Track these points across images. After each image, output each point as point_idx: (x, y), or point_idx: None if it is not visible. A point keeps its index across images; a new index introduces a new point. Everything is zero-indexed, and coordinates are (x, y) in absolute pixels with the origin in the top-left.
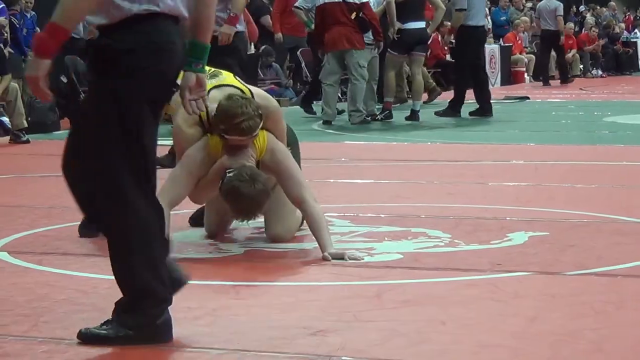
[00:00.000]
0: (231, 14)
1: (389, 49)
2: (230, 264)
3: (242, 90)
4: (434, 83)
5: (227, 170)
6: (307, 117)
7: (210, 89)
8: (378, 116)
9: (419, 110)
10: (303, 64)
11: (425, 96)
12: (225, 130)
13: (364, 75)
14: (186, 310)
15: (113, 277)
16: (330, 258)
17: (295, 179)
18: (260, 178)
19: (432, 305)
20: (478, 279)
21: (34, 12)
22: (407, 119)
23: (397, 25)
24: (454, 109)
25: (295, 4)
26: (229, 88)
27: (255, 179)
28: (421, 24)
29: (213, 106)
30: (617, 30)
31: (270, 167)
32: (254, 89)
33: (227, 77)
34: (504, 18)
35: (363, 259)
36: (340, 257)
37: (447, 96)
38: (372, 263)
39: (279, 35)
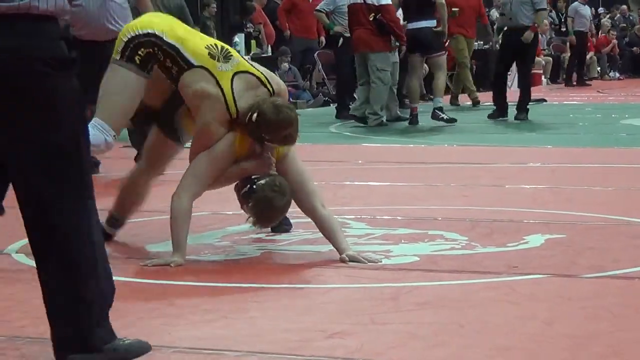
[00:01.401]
0: None
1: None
2: (247, 266)
3: (258, 77)
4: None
5: (254, 177)
6: (324, 120)
7: (232, 77)
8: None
9: (439, 108)
10: (320, 66)
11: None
12: (270, 140)
13: (382, 78)
14: (202, 313)
15: (130, 279)
16: (347, 260)
17: (307, 188)
18: (288, 189)
19: (448, 308)
20: (495, 282)
21: None
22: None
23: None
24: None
25: (316, 7)
26: (250, 77)
27: (284, 190)
28: (420, 24)
29: (243, 103)
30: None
31: (283, 173)
32: (265, 71)
33: (240, 61)
34: None
35: (380, 261)
36: (358, 259)
37: (460, 99)
38: (389, 265)
39: (286, 33)
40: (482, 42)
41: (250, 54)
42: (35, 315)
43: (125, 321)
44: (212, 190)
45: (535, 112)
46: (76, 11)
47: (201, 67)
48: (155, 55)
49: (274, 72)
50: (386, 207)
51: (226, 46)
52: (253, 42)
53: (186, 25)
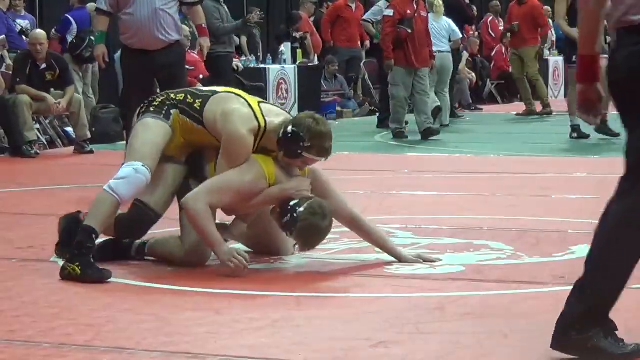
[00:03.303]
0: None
1: None
2: (292, 274)
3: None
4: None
5: (292, 204)
6: (370, 129)
7: (258, 103)
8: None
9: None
10: (366, 75)
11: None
12: (310, 152)
13: (391, 91)
14: (248, 321)
15: (176, 287)
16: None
17: (340, 199)
18: (328, 209)
19: (494, 318)
20: (540, 292)
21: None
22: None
23: None
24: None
25: (363, 17)
26: (275, 107)
27: (326, 212)
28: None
29: (273, 120)
30: None
31: (315, 188)
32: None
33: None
34: None
35: (441, 260)
36: (417, 260)
37: (507, 109)
38: (435, 275)
39: (330, 43)
40: None
41: (297, 63)
42: (82, 323)
43: (171, 329)
44: (251, 211)
45: (582, 122)
46: (126, 19)
47: (227, 92)
48: (170, 98)
49: (320, 82)
50: (432, 217)
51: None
52: (299, 51)
53: None
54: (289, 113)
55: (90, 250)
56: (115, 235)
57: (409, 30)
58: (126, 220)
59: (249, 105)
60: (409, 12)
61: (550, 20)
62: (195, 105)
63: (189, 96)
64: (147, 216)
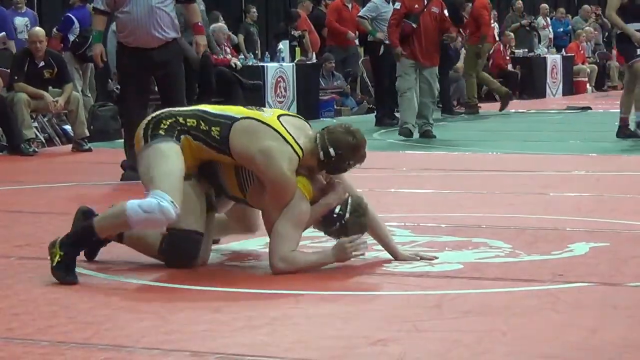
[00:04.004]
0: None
1: None
2: (291, 273)
3: (297, 117)
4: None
5: (337, 213)
6: (368, 127)
7: (279, 119)
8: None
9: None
10: (364, 74)
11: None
12: (354, 164)
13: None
14: (246, 319)
15: (176, 286)
16: (405, 259)
17: (355, 192)
18: (365, 203)
19: (492, 316)
20: (539, 290)
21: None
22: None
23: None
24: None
25: (359, 14)
26: (291, 118)
27: (366, 208)
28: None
29: (305, 142)
30: None
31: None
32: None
33: (272, 109)
34: (561, 29)
35: (437, 257)
36: (413, 258)
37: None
38: (433, 273)
39: (351, 35)
40: (526, 50)
41: (295, 61)
42: (80, 321)
43: (170, 327)
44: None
45: (580, 120)
46: (122, 18)
47: (246, 117)
48: (179, 123)
49: (318, 80)
50: (430, 215)
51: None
52: (297, 49)
53: None
54: (304, 120)
55: (81, 248)
56: (166, 262)
57: (414, 25)
58: (169, 247)
59: (282, 136)
60: (416, 6)
61: (548, 18)
62: (214, 134)
63: (201, 123)
64: (189, 238)
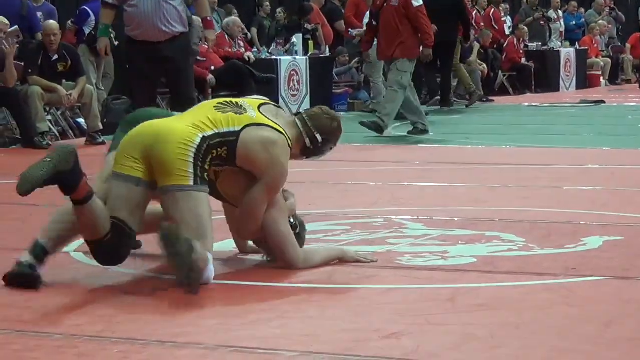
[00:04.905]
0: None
1: None
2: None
3: (270, 103)
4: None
5: (291, 222)
6: None
7: (259, 109)
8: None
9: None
10: None
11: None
12: (333, 148)
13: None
14: (259, 312)
15: None
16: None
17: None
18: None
19: (505, 310)
20: (552, 284)
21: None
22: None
23: None
24: None
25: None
26: (269, 106)
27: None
28: None
29: (289, 130)
30: None
31: None
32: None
33: (247, 99)
34: (574, 22)
35: (376, 261)
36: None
37: (518, 100)
38: (446, 267)
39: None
40: (540, 43)
41: (309, 54)
42: (93, 314)
43: (183, 321)
44: None
45: (594, 114)
46: (130, 11)
47: (246, 126)
48: (204, 169)
49: (332, 73)
50: (443, 208)
51: (226, 99)
52: (311, 42)
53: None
54: (277, 105)
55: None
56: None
57: (374, 23)
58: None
59: (277, 130)
60: (378, 3)
61: (560, 12)
62: (222, 155)
63: (219, 149)
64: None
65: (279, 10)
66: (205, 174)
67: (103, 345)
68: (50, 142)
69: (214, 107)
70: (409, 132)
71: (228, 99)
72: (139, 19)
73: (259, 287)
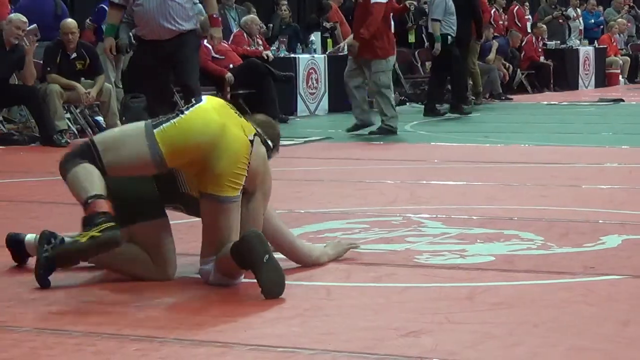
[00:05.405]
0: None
1: None
2: (323, 264)
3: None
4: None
5: None
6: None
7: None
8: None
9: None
10: (396, 65)
11: None
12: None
13: None
14: (278, 310)
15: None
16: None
17: None
18: None
19: (524, 308)
20: (571, 282)
21: None
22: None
23: None
24: None
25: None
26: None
27: None
28: None
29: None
30: None
31: None
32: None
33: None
34: (592, 21)
35: (358, 247)
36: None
37: (537, 98)
38: (464, 265)
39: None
40: (558, 42)
41: (327, 53)
42: (112, 312)
43: (202, 319)
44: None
45: (612, 112)
46: (137, 11)
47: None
48: None
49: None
50: (462, 207)
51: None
52: (329, 40)
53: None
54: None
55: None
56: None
57: (350, 18)
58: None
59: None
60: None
61: (579, 10)
62: None
63: None
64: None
65: (283, 7)
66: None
67: (121, 343)
68: (69, 140)
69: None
70: (348, 130)
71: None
72: (145, 18)
73: None
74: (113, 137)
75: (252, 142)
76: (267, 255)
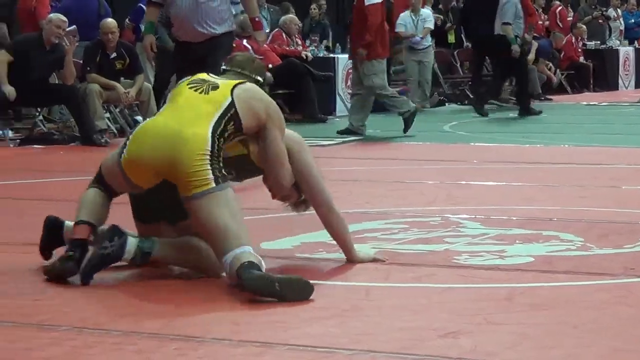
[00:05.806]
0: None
1: None
2: (361, 264)
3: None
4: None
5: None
6: (439, 119)
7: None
8: None
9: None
10: (435, 65)
11: None
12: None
13: None
14: (317, 311)
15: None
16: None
17: None
18: None
19: (563, 309)
20: (610, 284)
21: None
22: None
23: None
24: None
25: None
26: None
27: None
28: None
29: None
30: None
31: None
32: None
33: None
34: (633, 21)
35: (385, 261)
36: (367, 260)
37: (577, 99)
38: (503, 266)
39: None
40: (598, 42)
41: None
42: (151, 312)
43: (240, 319)
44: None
45: None
46: (173, 12)
47: (231, 92)
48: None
49: (389, 70)
50: (501, 207)
51: (188, 80)
52: None
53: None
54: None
55: None
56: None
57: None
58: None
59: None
60: (355, 2)
61: (619, 10)
62: (232, 129)
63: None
64: None
65: (313, 6)
66: (223, 169)
67: (161, 342)
68: (108, 140)
69: (192, 89)
70: (338, 132)
71: (189, 80)
72: (180, 20)
73: (316, 286)
74: (106, 164)
75: (233, 91)
76: (276, 284)
